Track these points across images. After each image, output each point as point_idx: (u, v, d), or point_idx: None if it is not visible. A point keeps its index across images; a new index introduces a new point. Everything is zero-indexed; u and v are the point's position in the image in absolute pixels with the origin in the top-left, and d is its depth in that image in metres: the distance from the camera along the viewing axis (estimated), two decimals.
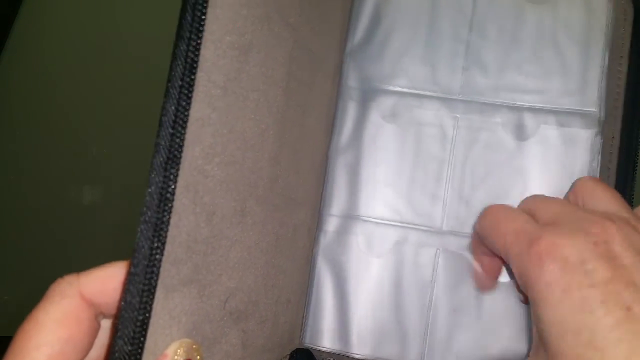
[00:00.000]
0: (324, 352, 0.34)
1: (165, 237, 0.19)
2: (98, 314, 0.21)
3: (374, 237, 0.34)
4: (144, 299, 0.18)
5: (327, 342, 0.34)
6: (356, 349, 0.33)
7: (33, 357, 0.19)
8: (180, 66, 0.18)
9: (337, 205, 0.35)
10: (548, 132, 0.34)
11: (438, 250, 0.34)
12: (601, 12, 0.34)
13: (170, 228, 0.19)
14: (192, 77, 0.19)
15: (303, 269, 0.34)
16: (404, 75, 0.35)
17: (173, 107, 0.18)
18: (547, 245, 0.23)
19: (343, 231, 0.35)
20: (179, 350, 0.20)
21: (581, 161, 0.34)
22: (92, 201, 0.45)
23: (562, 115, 0.34)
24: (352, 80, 0.36)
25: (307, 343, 0.34)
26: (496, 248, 0.27)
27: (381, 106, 0.35)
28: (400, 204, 0.34)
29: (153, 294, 0.18)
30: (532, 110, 0.34)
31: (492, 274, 0.32)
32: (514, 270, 0.25)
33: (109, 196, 0.46)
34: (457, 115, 0.35)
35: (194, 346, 0.20)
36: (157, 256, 0.18)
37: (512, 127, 0.34)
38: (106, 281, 0.20)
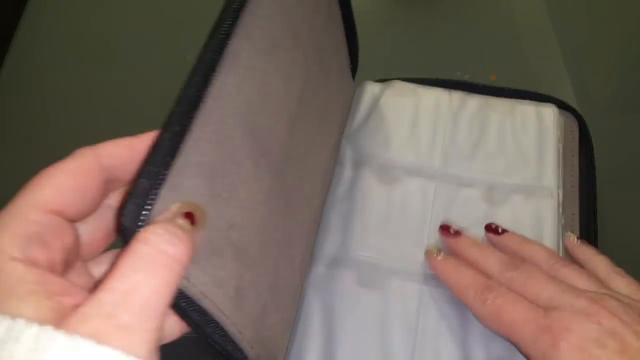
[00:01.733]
0: None
1: (197, 116, 0.23)
2: (109, 179, 0.22)
3: (363, 275, 0.36)
4: (173, 143, 0.21)
5: None
6: None
7: (40, 194, 0.20)
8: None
9: (328, 246, 0.38)
10: (517, 202, 0.39)
11: (422, 290, 0.36)
12: (551, 122, 0.42)
13: (203, 113, 0.23)
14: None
15: (293, 297, 0.35)
16: (391, 152, 0.41)
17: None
18: (558, 332, 0.28)
19: (333, 269, 0.37)
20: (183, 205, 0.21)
21: (549, 231, 0.38)
22: None
23: (527, 191, 0.39)
24: (348, 151, 0.42)
25: None
26: (506, 333, 0.31)
27: (372, 171, 0.40)
28: (388, 248, 0.37)
29: (182, 142, 0.22)
30: (501, 185, 0.40)
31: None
32: (527, 351, 0.30)
33: None
34: (438, 186, 0.40)
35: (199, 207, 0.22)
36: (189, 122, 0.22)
37: (485, 196, 0.39)
38: (123, 145, 0.22)
